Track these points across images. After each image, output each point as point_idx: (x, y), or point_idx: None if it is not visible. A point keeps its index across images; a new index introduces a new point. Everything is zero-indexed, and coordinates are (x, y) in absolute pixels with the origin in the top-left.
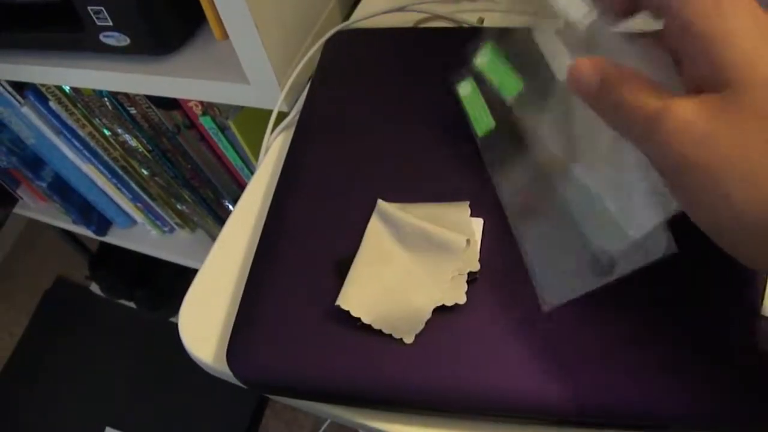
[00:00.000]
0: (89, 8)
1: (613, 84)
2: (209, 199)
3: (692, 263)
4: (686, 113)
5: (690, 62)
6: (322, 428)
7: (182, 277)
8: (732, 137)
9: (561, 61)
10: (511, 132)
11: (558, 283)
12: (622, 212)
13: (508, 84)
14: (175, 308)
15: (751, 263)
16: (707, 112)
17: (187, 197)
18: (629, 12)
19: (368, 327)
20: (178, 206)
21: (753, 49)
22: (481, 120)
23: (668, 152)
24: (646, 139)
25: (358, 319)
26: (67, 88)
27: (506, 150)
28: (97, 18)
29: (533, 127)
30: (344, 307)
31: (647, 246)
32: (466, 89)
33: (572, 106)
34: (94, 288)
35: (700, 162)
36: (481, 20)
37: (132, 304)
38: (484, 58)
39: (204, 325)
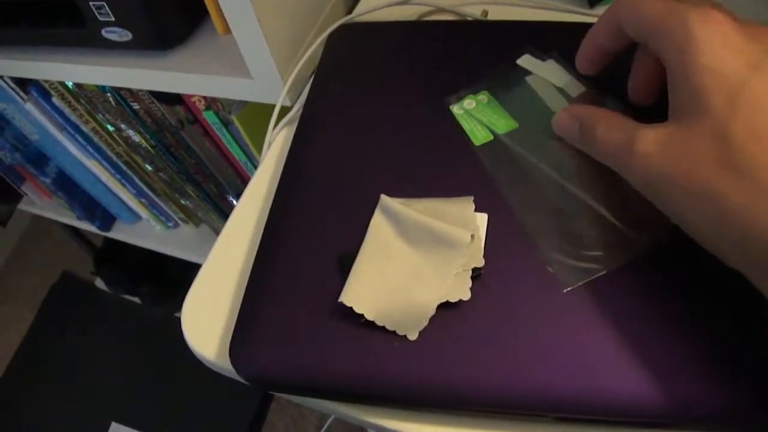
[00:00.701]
0: (91, 4)
1: (590, 125)
2: (213, 194)
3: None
4: (646, 144)
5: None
6: (327, 423)
7: (187, 271)
8: (680, 163)
9: (556, 103)
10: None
11: (574, 264)
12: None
13: (499, 123)
14: (180, 303)
15: (734, 267)
16: (663, 140)
17: (190, 192)
18: (603, 61)
19: (372, 323)
20: (182, 201)
21: (704, 85)
22: (478, 133)
23: (634, 177)
24: (619, 167)
25: (362, 315)
26: (69, 84)
27: (505, 159)
28: (98, 13)
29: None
30: (347, 303)
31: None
32: (460, 109)
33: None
34: (99, 283)
35: (656, 185)
36: (485, 13)
37: (137, 299)
38: (470, 105)
39: (207, 321)
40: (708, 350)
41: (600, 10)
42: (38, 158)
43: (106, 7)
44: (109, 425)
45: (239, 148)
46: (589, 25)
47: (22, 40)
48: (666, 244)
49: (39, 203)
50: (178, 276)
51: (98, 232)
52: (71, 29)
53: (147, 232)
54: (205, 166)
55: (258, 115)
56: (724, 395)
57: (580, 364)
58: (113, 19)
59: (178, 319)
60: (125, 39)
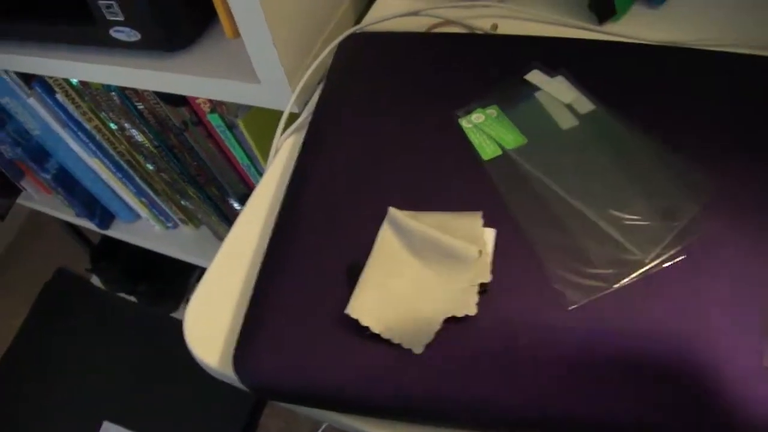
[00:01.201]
0: (100, 2)
1: None
2: (214, 197)
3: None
4: None
5: None
6: (321, 428)
7: (184, 272)
8: None
9: (564, 119)
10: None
11: (580, 281)
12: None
13: (507, 138)
14: (176, 304)
15: None
16: None
17: (192, 194)
18: None
19: (377, 336)
20: (183, 202)
21: None
22: (486, 147)
23: None
24: None
25: (367, 327)
26: (74, 81)
27: (513, 175)
28: (108, 12)
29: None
30: (353, 315)
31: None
32: (469, 123)
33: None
34: (95, 281)
35: None
36: (495, 26)
37: (133, 298)
38: (479, 119)
39: (210, 328)
40: (712, 363)
41: (609, 26)
42: (39, 154)
43: (116, 7)
44: (101, 424)
45: (243, 151)
46: (598, 42)
47: (29, 36)
48: (671, 263)
49: (38, 198)
50: (175, 276)
51: (97, 229)
52: (79, 27)
53: (146, 231)
54: (207, 168)
55: (263, 120)
56: (735, 411)
57: (583, 382)
58: (122, 18)
59: (174, 320)
60: (133, 39)
